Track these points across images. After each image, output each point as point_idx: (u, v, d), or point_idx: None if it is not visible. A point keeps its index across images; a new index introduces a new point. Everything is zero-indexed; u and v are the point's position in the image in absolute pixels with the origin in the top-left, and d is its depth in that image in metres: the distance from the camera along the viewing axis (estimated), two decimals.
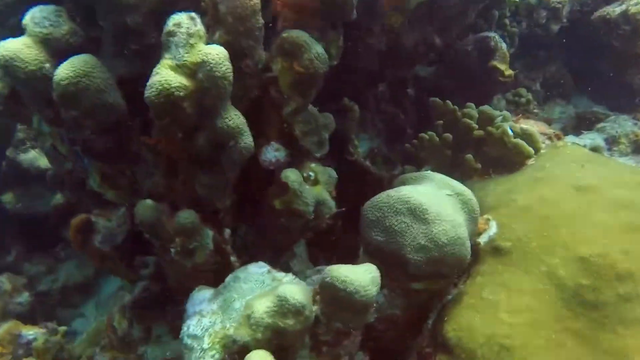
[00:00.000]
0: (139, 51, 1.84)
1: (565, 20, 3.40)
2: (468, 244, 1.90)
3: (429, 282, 1.96)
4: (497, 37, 3.14)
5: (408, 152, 2.75)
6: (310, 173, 2.10)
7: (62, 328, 3.16)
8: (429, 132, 2.61)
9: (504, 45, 3.15)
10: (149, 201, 1.92)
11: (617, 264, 1.78)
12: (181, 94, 1.67)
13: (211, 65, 1.65)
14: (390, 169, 3.22)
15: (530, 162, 2.53)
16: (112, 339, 2.90)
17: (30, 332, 3.22)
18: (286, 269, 2.45)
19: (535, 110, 3.56)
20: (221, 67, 1.66)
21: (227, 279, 1.96)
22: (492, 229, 2.11)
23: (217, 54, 1.66)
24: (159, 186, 2.03)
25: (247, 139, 1.78)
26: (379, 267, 2.03)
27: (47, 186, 3.61)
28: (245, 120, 1.79)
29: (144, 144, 1.88)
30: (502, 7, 3.25)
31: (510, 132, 2.51)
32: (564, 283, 1.80)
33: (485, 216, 2.18)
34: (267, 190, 2.08)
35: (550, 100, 3.62)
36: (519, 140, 2.48)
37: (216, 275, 2.12)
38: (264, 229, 2.18)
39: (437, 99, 2.72)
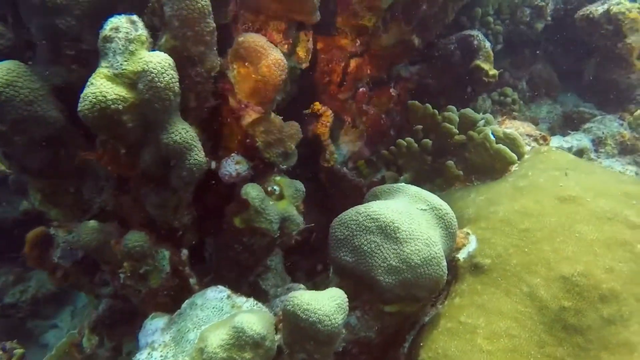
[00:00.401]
0: (76, 57, 1.67)
1: (549, 18, 3.25)
2: (444, 263, 1.75)
3: (403, 304, 1.81)
4: (480, 35, 2.98)
5: (386, 158, 2.59)
6: (275, 187, 1.94)
7: (19, 351, 2.98)
8: (407, 139, 2.45)
9: (487, 44, 2.99)
10: (92, 223, 1.76)
11: (601, 283, 1.64)
12: (119, 107, 1.50)
13: (153, 74, 1.49)
14: (373, 172, 3.07)
15: (514, 168, 2.38)
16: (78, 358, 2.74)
17: None
18: (256, 287, 2.30)
19: (522, 110, 3.41)
20: (164, 77, 1.50)
21: (184, 305, 1.81)
22: (472, 244, 1.97)
23: (160, 62, 1.50)
24: (108, 204, 1.87)
25: (197, 155, 1.62)
26: (350, 288, 1.89)
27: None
28: (194, 135, 1.63)
29: (85, 160, 1.71)
30: (485, 4, 3.09)
31: (492, 137, 2.36)
32: (545, 305, 1.66)
33: (465, 229, 2.04)
34: (228, 207, 1.92)
35: (536, 99, 3.47)
36: (501, 146, 2.33)
37: (175, 299, 1.96)
38: (226, 247, 2.02)
39: (416, 102, 2.57)
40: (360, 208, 1.81)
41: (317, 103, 2.66)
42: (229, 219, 1.88)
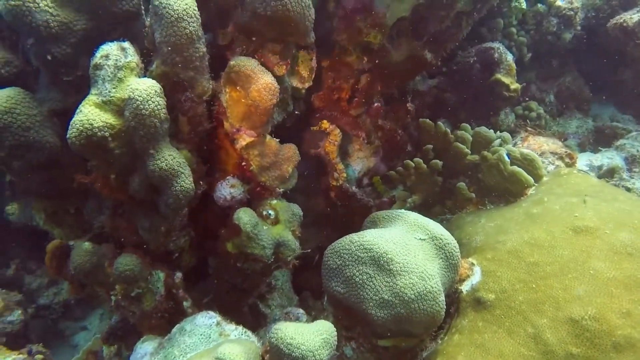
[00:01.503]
0: (72, 83, 1.68)
1: (579, 27, 3.05)
2: (441, 298, 1.65)
3: (398, 339, 1.73)
4: (501, 47, 2.84)
5: (393, 179, 2.50)
6: (270, 211, 1.89)
7: (39, 357, 3.06)
8: (415, 159, 2.35)
9: (509, 57, 2.85)
10: (86, 245, 1.77)
11: (616, 329, 1.50)
12: (106, 134, 1.50)
13: (137, 102, 1.47)
14: (389, 189, 2.98)
15: (531, 191, 2.24)
16: None
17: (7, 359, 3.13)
18: (255, 310, 2.27)
19: (549, 125, 3.23)
20: (149, 104, 1.48)
21: (174, 330, 1.79)
22: (476, 276, 1.85)
23: (145, 90, 1.48)
24: (106, 225, 1.88)
25: (184, 182, 1.59)
26: (345, 318, 1.83)
27: None
28: (182, 161, 1.60)
29: (81, 183, 1.72)
30: (508, 15, 2.94)
31: (506, 159, 2.23)
32: (551, 350, 1.53)
33: (470, 259, 1.93)
34: (221, 231, 1.89)
35: (565, 112, 3.28)
36: (515, 168, 2.20)
37: (170, 320, 1.95)
38: (222, 271, 1.99)
39: (427, 120, 2.47)
40: (354, 237, 1.74)
41: (324, 121, 2.60)
42: (222, 244, 1.85)
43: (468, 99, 3.08)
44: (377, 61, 2.40)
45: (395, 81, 2.61)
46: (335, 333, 1.57)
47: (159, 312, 1.90)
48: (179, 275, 1.91)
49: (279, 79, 1.91)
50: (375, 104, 2.92)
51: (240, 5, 1.71)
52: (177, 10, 1.51)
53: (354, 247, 1.70)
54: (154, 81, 1.52)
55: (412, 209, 2.44)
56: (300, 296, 2.69)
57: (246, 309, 2.25)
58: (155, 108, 1.50)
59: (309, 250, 2.03)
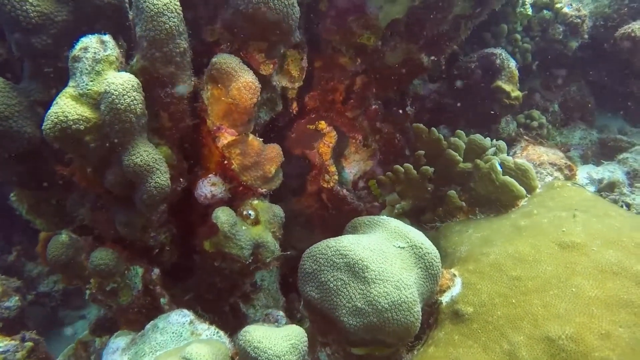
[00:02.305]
0: (54, 74, 1.68)
1: (586, 36, 2.97)
2: (416, 309, 1.61)
3: (371, 348, 1.69)
4: (503, 53, 2.78)
5: (383, 183, 2.46)
6: (250, 211, 1.87)
7: (28, 344, 3.08)
8: (405, 165, 2.31)
9: (511, 63, 2.78)
10: (63, 237, 1.77)
11: (593, 351, 1.44)
12: (81, 127, 1.49)
13: (113, 96, 1.46)
14: (385, 193, 2.94)
15: (522, 203, 2.18)
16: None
17: None
18: (236, 310, 2.25)
19: (552, 135, 3.16)
20: (125, 99, 1.47)
21: (147, 327, 1.78)
22: (457, 287, 1.81)
23: (122, 84, 1.47)
24: (86, 218, 1.88)
25: (159, 179, 1.57)
26: (320, 324, 1.80)
27: None
28: (158, 157, 1.59)
29: (60, 175, 1.72)
30: (512, 20, 2.87)
31: (499, 168, 2.18)
32: None
33: (453, 270, 1.88)
34: (200, 229, 1.87)
35: (570, 123, 3.20)
36: (507, 179, 2.14)
37: (147, 316, 1.94)
38: (202, 269, 1.98)
39: (420, 125, 2.42)
40: (331, 242, 1.71)
41: (322, 122, 2.57)
42: (200, 242, 1.83)
43: (468, 105, 3.02)
44: (371, 63, 2.36)
45: (392, 84, 2.58)
46: (306, 339, 1.54)
47: (136, 307, 1.90)
48: (156, 271, 1.90)
49: (265, 78, 1.89)
50: (373, 106, 2.89)
51: (225, 2, 1.68)
52: (158, 4, 1.49)
53: (330, 252, 1.67)
54: (131, 76, 1.51)
55: (401, 215, 2.39)
56: (288, 297, 2.67)
57: (227, 308, 2.23)
58: (131, 103, 1.48)
59: (289, 252, 2.00)
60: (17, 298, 3.97)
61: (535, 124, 2.98)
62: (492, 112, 2.89)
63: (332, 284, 1.64)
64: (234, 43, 1.74)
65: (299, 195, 2.88)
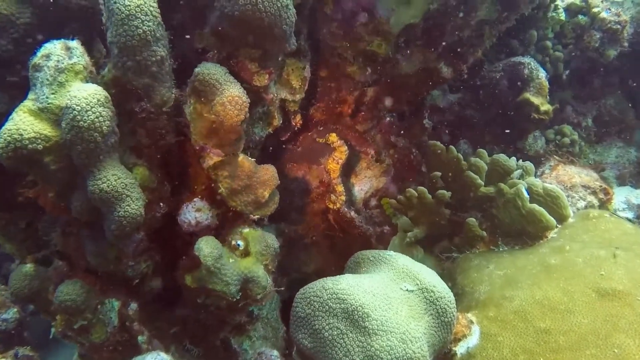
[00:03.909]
0: (19, 84, 1.49)
1: (626, 44, 2.67)
2: None
3: None
4: (532, 63, 2.51)
5: (397, 208, 2.21)
6: (239, 242, 1.65)
7: None
8: (419, 188, 2.06)
9: (541, 74, 2.51)
10: (27, 268, 1.58)
11: None
12: (39, 147, 1.29)
13: (75, 112, 1.25)
14: (400, 215, 2.70)
15: (552, 234, 1.91)
16: None
17: None
18: (227, 345, 2.03)
19: (584, 153, 2.86)
20: (88, 115, 1.26)
21: None
22: (474, 337, 1.55)
23: (85, 98, 1.26)
24: (57, 244, 1.68)
25: (129, 207, 1.37)
26: None
27: None
28: (129, 182, 1.38)
29: (24, 197, 1.52)
30: (543, 26, 2.60)
31: (525, 195, 1.91)
32: None
33: (470, 315, 1.63)
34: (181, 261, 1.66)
35: (605, 139, 2.90)
36: (535, 207, 1.87)
37: (124, 354, 1.74)
38: (186, 303, 1.77)
39: (437, 143, 2.17)
40: (328, 282, 1.47)
41: (333, 135, 2.35)
42: (181, 276, 1.62)
43: (492, 119, 2.76)
44: (383, 73, 2.12)
45: (407, 96, 2.33)
46: None
47: (111, 345, 1.69)
48: (133, 306, 1.69)
49: (260, 90, 1.67)
50: (387, 119, 2.65)
51: (211, 5, 1.47)
52: (130, 5, 1.28)
53: (326, 295, 1.44)
54: (98, 88, 1.31)
55: (414, 243, 2.14)
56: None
57: (218, 342, 2.01)
58: (96, 120, 1.28)
59: (282, 289, 1.78)
60: (15, 310, 3.82)
61: (566, 140, 2.69)
62: (518, 127, 2.62)
63: (327, 333, 1.40)
64: (222, 50, 1.52)
65: (303, 214, 2.66)
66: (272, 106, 1.80)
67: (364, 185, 2.71)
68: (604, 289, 1.49)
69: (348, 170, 2.61)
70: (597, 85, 2.85)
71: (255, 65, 1.58)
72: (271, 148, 2.24)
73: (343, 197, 2.38)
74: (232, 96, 1.39)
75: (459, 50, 2.10)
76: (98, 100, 1.29)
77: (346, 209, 2.41)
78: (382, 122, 2.61)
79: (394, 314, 1.40)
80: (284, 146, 2.39)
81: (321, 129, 2.50)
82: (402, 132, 2.73)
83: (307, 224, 2.65)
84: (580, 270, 1.60)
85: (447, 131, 2.93)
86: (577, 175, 2.52)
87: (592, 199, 2.42)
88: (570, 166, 2.63)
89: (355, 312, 1.38)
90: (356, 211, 2.57)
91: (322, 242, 2.69)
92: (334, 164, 2.38)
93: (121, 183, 1.36)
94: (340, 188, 2.36)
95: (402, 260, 1.56)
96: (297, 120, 2.16)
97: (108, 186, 1.34)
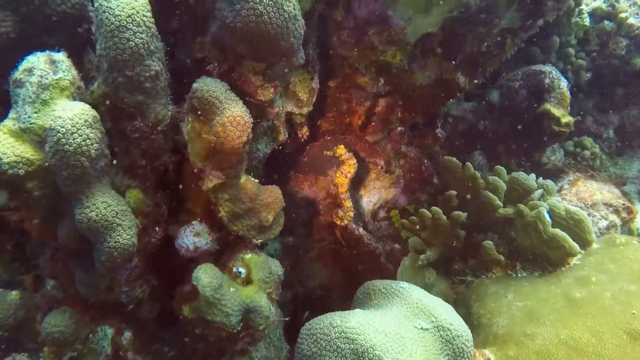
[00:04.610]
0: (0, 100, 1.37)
1: None
2: None
3: None
4: (554, 72, 2.36)
5: (409, 228, 2.08)
6: (241, 269, 1.53)
7: None
8: (433, 208, 1.93)
9: (563, 83, 2.36)
10: (13, 295, 1.48)
11: None
12: (21, 171, 1.18)
13: (59, 134, 1.14)
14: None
15: (574, 261, 1.78)
16: None
17: None
18: None
19: (605, 166, 2.72)
20: (74, 138, 1.14)
21: None
22: None
23: (71, 119, 1.14)
24: (46, 268, 1.57)
25: (121, 237, 1.25)
26: None
27: None
28: (121, 209, 1.26)
29: (8, 220, 1.41)
30: (566, 32, 2.45)
31: (548, 219, 1.78)
32: None
33: (487, 352, 1.50)
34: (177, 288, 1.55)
35: (627, 152, 2.75)
36: (557, 232, 1.74)
37: None
38: (183, 332, 1.65)
39: (453, 159, 2.04)
40: (336, 319, 1.35)
41: (341, 146, 2.22)
42: (178, 305, 1.51)
43: (509, 130, 2.61)
44: (397, 84, 1.99)
45: (421, 108, 2.20)
46: None
47: None
48: (127, 335, 1.58)
49: (264, 105, 1.54)
50: (398, 129, 2.52)
51: (212, 12, 1.34)
52: (120, 15, 1.16)
53: (334, 333, 1.32)
54: (85, 107, 1.19)
55: (426, 266, 2.01)
56: (295, 344, 2.34)
57: None
58: (83, 143, 1.16)
59: (287, 319, 1.66)
60: None
61: (586, 153, 2.55)
62: (536, 139, 2.48)
63: None
64: (224, 63, 1.40)
65: (309, 227, 2.54)
66: (278, 120, 1.67)
67: (372, 196, 2.59)
68: (637, 331, 1.36)
69: (356, 181, 2.48)
70: (620, 95, 2.70)
71: (259, 78, 1.45)
72: (275, 160, 2.12)
73: (351, 213, 2.25)
74: (233, 116, 1.27)
75: (478, 60, 1.96)
76: (85, 121, 1.17)
77: (354, 226, 2.28)
78: (393, 131, 2.48)
79: (407, 356, 1.28)
80: (288, 158, 2.27)
81: (329, 138, 2.38)
82: (413, 141, 2.60)
83: (313, 237, 2.54)
84: (609, 307, 1.47)
85: (460, 141, 2.79)
86: (599, 191, 2.38)
87: (614, 218, 2.29)
88: (591, 181, 2.49)
89: (366, 354, 1.26)
90: (364, 226, 2.45)
91: (328, 256, 2.58)
92: (342, 177, 2.25)
93: (111, 211, 1.24)
94: (348, 203, 2.24)
95: (416, 294, 1.44)
96: (304, 132, 2.03)
97: (97, 215, 1.22)
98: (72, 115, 1.15)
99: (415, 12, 1.59)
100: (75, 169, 1.17)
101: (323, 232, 2.50)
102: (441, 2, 1.57)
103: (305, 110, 1.76)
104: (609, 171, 2.72)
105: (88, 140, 1.17)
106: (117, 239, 1.25)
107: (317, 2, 1.61)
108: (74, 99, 1.25)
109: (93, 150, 1.18)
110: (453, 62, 1.92)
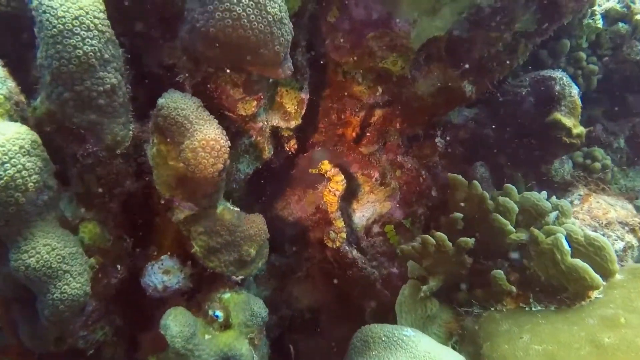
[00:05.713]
0: None
1: None
2: None
3: None
4: (565, 78, 2.17)
5: (409, 256, 1.87)
6: (217, 312, 1.31)
7: None
8: (438, 234, 1.72)
9: (574, 91, 2.17)
10: None
11: None
12: None
13: None
14: (405, 240, 2.38)
15: (596, 294, 1.59)
16: None
17: None
18: None
19: (616, 179, 2.54)
20: (6, 170, 0.92)
21: None
22: None
23: (3, 145, 0.92)
24: None
25: (69, 286, 1.02)
26: None
27: None
28: (68, 253, 1.03)
29: None
30: (577, 35, 2.26)
31: (567, 248, 1.58)
32: None
33: None
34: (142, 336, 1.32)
35: (638, 162, 2.58)
36: (578, 263, 1.55)
37: None
38: None
39: (458, 177, 1.83)
40: None
41: (325, 162, 1.99)
42: (143, 356, 1.28)
43: (513, 140, 2.42)
44: (397, 94, 1.78)
45: (421, 119, 1.99)
46: None
47: None
48: None
49: (246, 120, 1.32)
50: (394, 137, 2.31)
51: (182, 15, 1.11)
52: (64, 17, 0.93)
53: None
54: (22, 129, 0.96)
55: (429, 297, 1.81)
56: None
57: None
58: (17, 175, 0.93)
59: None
60: None
61: (597, 166, 2.37)
62: (545, 150, 2.29)
63: None
64: (197, 73, 1.17)
65: (297, 245, 2.33)
66: (262, 137, 1.46)
67: (366, 211, 2.39)
68: None
69: (348, 195, 2.27)
70: (631, 102, 2.52)
71: (239, 91, 1.23)
72: (259, 176, 1.90)
73: (344, 235, 2.04)
74: (206, 140, 1.04)
75: (486, 67, 1.75)
76: (21, 147, 0.94)
77: (347, 248, 2.07)
78: (389, 141, 2.27)
79: None
80: (274, 172, 2.05)
81: (319, 148, 2.17)
82: (409, 151, 2.40)
83: (301, 255, 2.33)
84: None
85: (461, 151, 2.60)
86: (613, 209, 2.20)
87: (630, 238, 2.11)
88: (602, 196, 2.31)
89: None
90: (357, 243, 2.25)
91: (318, 276, 2.38)
92: (331, 195, 2.02)
93: (56, 255, 1.01)
94: (340, 223, 2.02)
95: (423, 345, 1.23)
96: (292, 145, 1.81)
97: (37, 261, 0.99)
98: (4, 141, 0.92)
99: (421, 13, 1.38)
100: (8, 207, 0.94)
101: (312, 250, 2.30)
102: (451, 1, 1.36)
103: (293, 123, 1.54)
104: (619, 183, 2.54)
105: (24, 172, 0.94)
106: (64, 289, 1.02)
107: (308, 1, 1.39)
108: (10, 118, 1.01)
109: (31, 184, 0.95)
110: (459, 69, 1.71)
